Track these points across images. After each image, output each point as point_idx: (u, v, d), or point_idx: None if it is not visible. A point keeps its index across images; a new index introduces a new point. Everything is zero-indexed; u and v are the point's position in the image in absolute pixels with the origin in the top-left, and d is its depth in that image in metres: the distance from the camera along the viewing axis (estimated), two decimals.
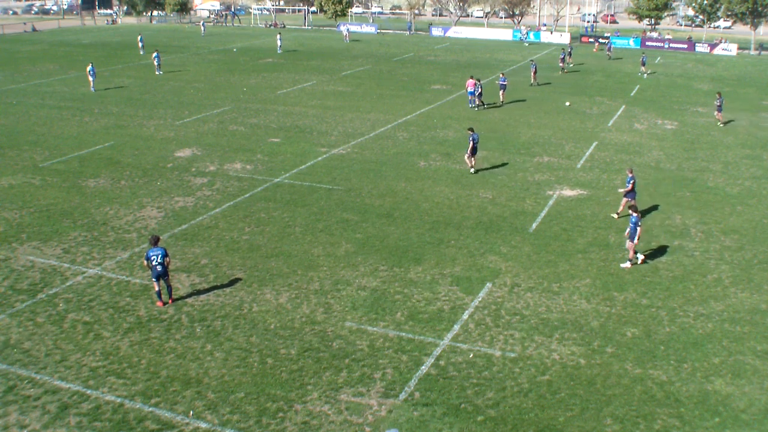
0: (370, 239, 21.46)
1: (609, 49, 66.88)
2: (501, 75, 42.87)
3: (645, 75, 55.60)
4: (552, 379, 14.43)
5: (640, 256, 20.12)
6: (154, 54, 52.90)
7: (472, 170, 28.28)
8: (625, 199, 23.13)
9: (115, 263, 19.56)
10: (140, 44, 63.50)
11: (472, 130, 28.14)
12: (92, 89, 44.90)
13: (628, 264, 19.82)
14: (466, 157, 28.22)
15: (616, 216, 23.56)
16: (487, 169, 28.94)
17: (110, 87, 46.31)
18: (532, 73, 49.50)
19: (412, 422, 13.03)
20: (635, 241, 19.50)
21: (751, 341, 16.02)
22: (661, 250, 20.99)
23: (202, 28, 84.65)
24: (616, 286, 18.65)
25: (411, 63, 60.83)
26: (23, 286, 18.15)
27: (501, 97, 42.20)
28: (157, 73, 51.72)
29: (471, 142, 27.70)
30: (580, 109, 41.57)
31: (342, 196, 25.25)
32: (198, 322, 16.46)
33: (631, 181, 22.92)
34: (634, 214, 19.52)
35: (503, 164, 29.79)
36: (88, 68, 45.00)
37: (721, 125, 38.05)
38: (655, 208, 24.69)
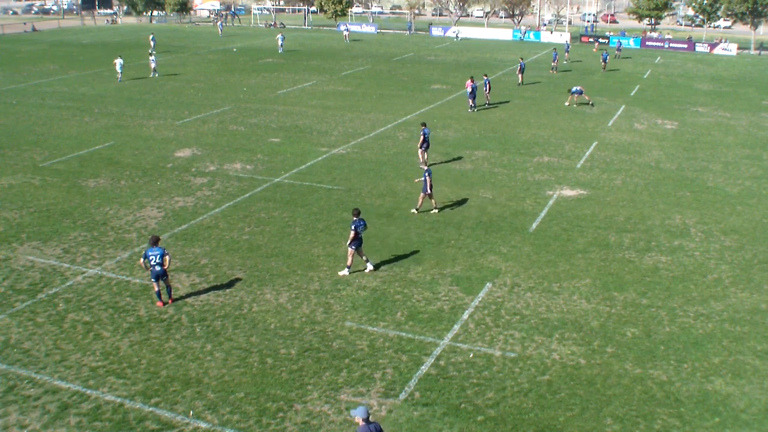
0: (370, 239, 21.44)
1: (618, 48, 68.08)
2: (484, 77, 42.86)
3: (605, 69, 57.98)
4: (552, 379, 14.43)
5: (370, 266, 19.10)
6: (151, 57, 51.32)
7: (423, 165, 28.52)
8: (422, 194, 23.16)
9: (115, 263, 19.56)
10: (152, 43, 63.47)
11: (424, 125, 28.45)
12: (119, 80, 48.15)
13: (346, 271, 18.86)
14: (419, 152, 28.51)
15: (434, 211, 23.58)
16: (440, 163, 28.99)
17: (110, 86, 46.34)
18: (519, 73, 50.13)
19: (412, 422, 13.02)
20: (352, 248, 18.54)
21: (751, 341, 16.02)
22: (660, 251, 21.01)
23: (219, 28, 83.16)
24: (616, 286, 18.65)
25: (411, 63, 60.84)
26: (23, 286, 18.15)
27: (486, 97, 42.23)
28: (151, 75, 50.44)
29: (422, 136, 28.03)
30: (580, 109, 41.59)
31: (342, 196, 25.25)
32: (198, 322, 16.46)
33: (427, 175, 22.81)
34: (355, 218, 18.46)
35: (458, 158, 30.19)
36: (116, 60, 48.24)
37: (592, 105, 42.22)
38: (655, 208, 24.70)
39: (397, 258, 20.10)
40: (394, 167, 28.90)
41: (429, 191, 23.00)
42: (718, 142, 34.50)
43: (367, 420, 10.40)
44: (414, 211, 23.53)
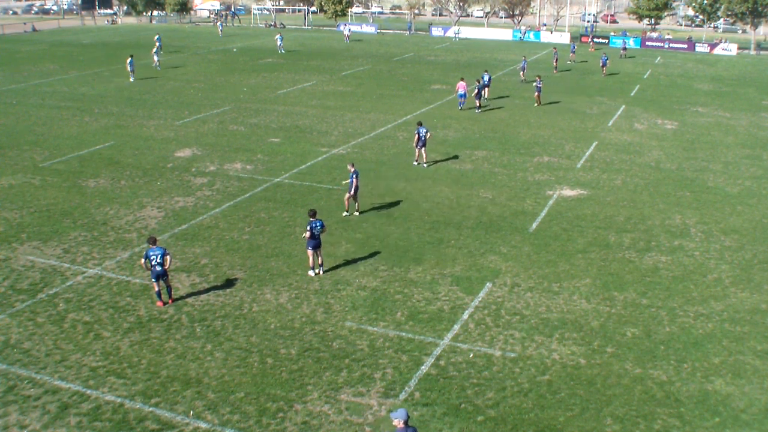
0: (370, 239, 21.46)
1: (623, 48, 68.91)
2: (485, 71, 42.99)
3: (605, 74, 57.23)
4: (552, 379, 14.43)
5: (320, 270, 18.98)
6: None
7: (416, 163, 29.13)
8: (347, 194, 22.99)
9: (115, 263, 19.57)
10: (158, 44, 63.28)
11: (420, 123, 28.74)
12: (131, 79, 48.41)
13: (311, 272, 18.88)
14: (417, 149, 28.91)
15: (356, 213, 23.34)
16: (437, 162, 28.99)
17: (110, 86, 46.33)
18: (521, 71, 50.58)
19: (412, 422, 13.00)
20: (309, 248, 18.52)
21: (751, 341, 16.02)
22: (660, 251, 21.01)
23: (219, 28, 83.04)
24: (616, 286, 18.65)
25: (411, 63, 60.83)
26: (23, 286, 18.15)
27: (485, 94, 42.31)
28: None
29: (416, 135, 28.38)
30: (580, 109, 41.58)
31: (342, 196, 25.22)
32: (198, 322, 16.46)
33: (354, 177, 22.60)
34: (311, 219, 18.46)
35: (458, 157, 30.36)
36: (128, 60, 48.31)
37: (536, 105, 41.85)
38: (655, 208, 24.70)
39: (397, 258, 20.11)
40: (394, 167, 28.90)
41: (353, 192, 22.81)
42: (718, 142, 34.50)
43: (406, 423, 10.24)
44: (345, 213, 23.30)
